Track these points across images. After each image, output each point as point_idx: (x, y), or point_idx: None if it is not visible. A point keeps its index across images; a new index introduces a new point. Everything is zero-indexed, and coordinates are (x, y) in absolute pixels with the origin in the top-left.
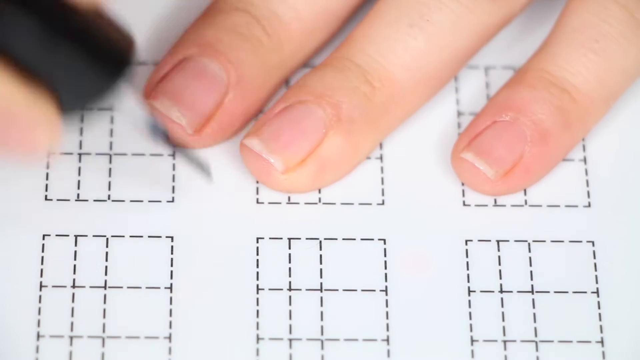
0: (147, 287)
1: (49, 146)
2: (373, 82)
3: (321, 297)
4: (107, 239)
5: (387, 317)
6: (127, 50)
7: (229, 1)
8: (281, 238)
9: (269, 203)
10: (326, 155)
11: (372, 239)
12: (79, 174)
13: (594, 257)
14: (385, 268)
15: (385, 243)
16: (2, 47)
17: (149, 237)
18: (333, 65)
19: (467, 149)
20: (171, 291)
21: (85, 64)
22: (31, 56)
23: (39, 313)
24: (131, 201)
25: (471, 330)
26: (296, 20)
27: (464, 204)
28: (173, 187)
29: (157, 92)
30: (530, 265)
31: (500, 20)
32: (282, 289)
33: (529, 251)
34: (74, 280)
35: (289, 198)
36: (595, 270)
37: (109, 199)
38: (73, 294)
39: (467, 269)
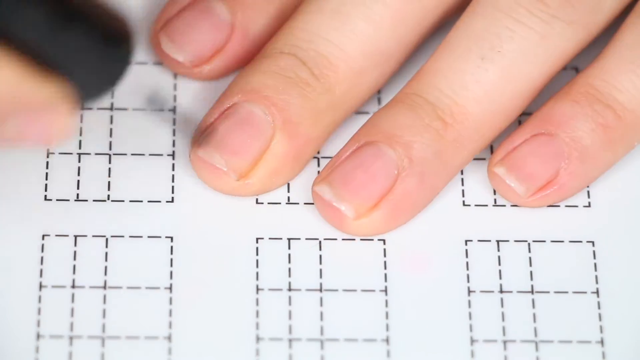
0: (146, 287)
1: (63, 135)
2: (445, 118)
3: (321, 297)
4: (107, 239)
5: (387, 317)
6: (127, 30)
7: (275, 46)
8: (281, 238)
9: (269, 203)
10: (399, 198)
11: (372, 239)
12: (79, 174)
13: (594, 257)
14: (385, 268)
15: (384, 243)
16: (10, 36)
17: (148, 237)
18: (403, 102)
19: (500, 163)
20: (171, 291)
21: (94, 47)
22: (40, 45)
23: (39, 313)
24: (131, 201)
25: (471, 330)
26: (344, 62)
27: (464, 204)
28: (173, 187)
29: (201, 141)
30: (530, 265)
31: (576, 45)
32: (281, 289)
33: (529, 251)
34: (73, 280)
35: (288, 198)
36: (595, 270)
37: (108, 199)
38: (73, 294)
39: (467, 269)
